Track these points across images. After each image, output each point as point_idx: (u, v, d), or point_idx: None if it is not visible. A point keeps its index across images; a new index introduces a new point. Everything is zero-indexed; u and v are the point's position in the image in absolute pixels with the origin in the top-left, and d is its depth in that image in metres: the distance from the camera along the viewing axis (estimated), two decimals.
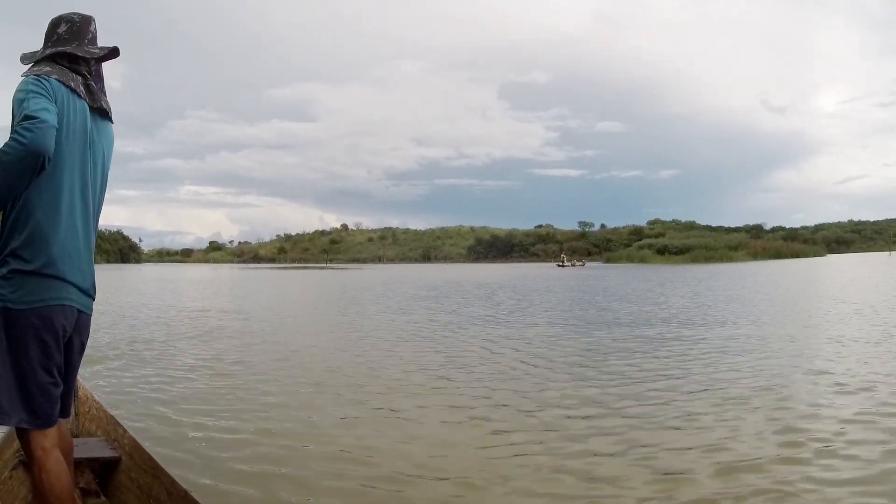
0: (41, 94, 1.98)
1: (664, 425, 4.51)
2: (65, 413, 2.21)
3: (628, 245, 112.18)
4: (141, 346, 8.72)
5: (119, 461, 2.78)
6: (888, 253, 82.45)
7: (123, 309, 14.96)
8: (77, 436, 3.04)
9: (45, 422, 2.04)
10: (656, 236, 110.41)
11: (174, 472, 2.52)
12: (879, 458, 3.67)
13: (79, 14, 2.24)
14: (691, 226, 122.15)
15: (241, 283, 33.83)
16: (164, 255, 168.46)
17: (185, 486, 2.40)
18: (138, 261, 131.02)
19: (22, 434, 2.07)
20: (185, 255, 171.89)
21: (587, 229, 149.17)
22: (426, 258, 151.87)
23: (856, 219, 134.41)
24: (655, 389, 5.69)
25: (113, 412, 3.23)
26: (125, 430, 2.94)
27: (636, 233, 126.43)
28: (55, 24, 2.21)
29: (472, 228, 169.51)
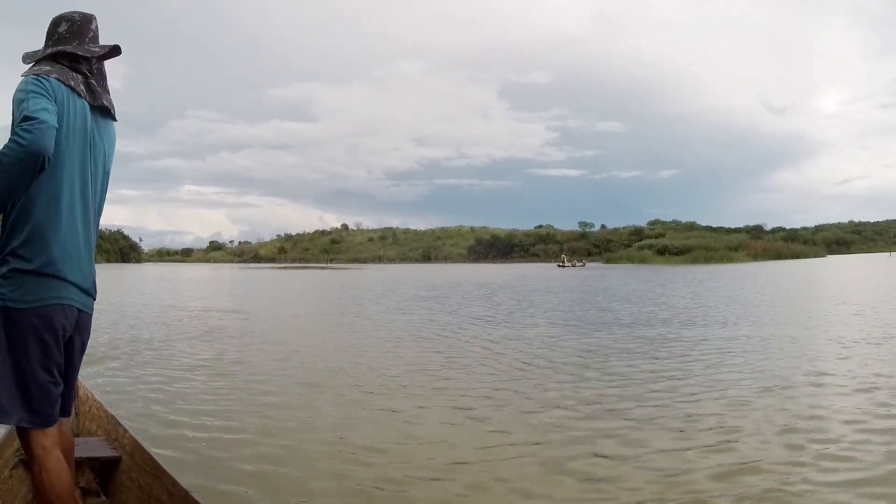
0: (41, 94, 1.98)
1: (665, 427, 4.50)
2: (66, 412, 2.21)
3: (628, 245, 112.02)
4: (141, 345, 8.72)
5: (119, 461, 2.78)
6: (888, 254, 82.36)
7: (124, 308, 14.96)
8: (77, 435, 3.03)
9: (45, 421, 2.04)
10: (656, 237, 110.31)
11: (174, 472, 2.52)
12: (882, 460, 3.66)
13: (79, 13, 2.23)
14: (691, 226, 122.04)
15: (242, 283, 33.84)
16: (164, 255, 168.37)
17: (185, 486, 2.40)
18: (139, 260, 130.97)
19: (22, 433, 2.07)
20: (186, 255, 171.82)
21: (587, 230, 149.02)
22: (426, 258, 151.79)
23: (856, 219, 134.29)
24: (656, 391, 5.68)
25: (113, 412, 3.23)
26: (125, 430, 2.94)
27: (636, 233, 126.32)
28: (56, 23, 2.21)
29: (472, 228, 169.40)
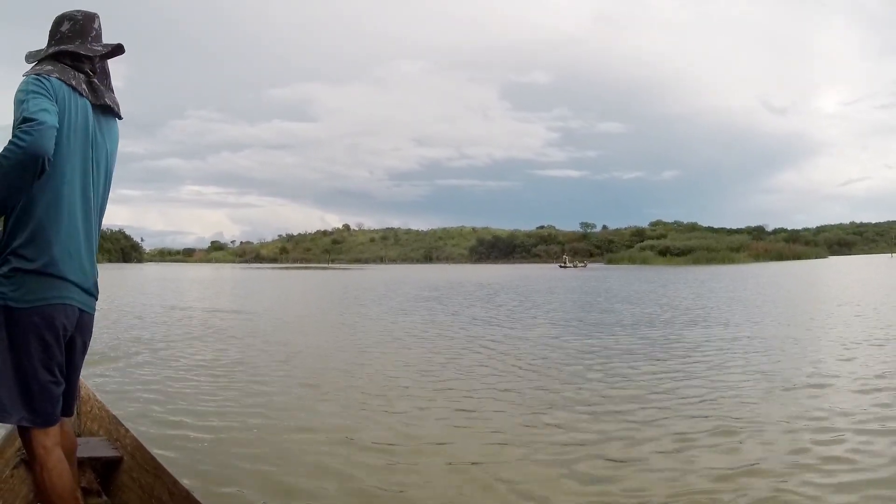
0: (41, 95, 1.97)
1: (667, 428, 4.48)
2: (68, 412, 2.21)
3: (630, 246, 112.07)
4: (143, 345, 8.71)
5: (121, 461, 2.77)
6: (890, 255, 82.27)
7: (125, 308, 14.96)
8: (79, 435, 3.03)
9: (46, 420, 2.04)
10: (658, 237, 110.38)
11: (175, 472, 2.51)
12: (886, 462, 3.64)
13: (82, 11, 2.23)
14: (693, 227, 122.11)
15: (243, 283, 33.86)
16: (165, 255, 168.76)
17: (186, 486, 2.39)
18: (140, 260, 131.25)
19: (23, 432, 2.06)
20: (187, 255, 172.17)
21: (589, 230, 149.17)
22: (428, 259, 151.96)
23: (857, 220, 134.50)
24: (658, 392, 5.67)
25: (114, 412, 3.22)
26: (127, 430, 2.94)
27: (638, 234, 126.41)
28: (59, 22, 2.21)
29: (473, 229, 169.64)
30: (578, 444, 4.14)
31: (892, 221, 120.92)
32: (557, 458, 3.84)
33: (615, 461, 3.79)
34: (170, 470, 2.51)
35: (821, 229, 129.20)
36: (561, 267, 75.66)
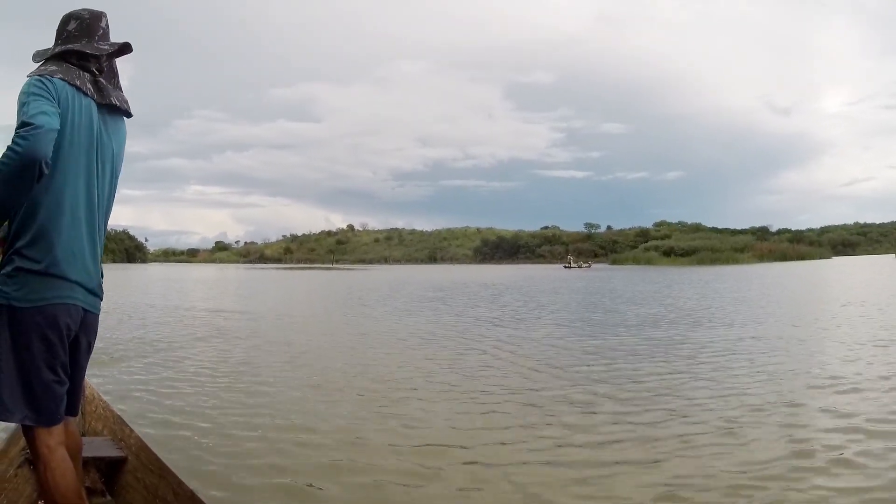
0: (41, 96, 1.97)
1: (672, 430, 4.47)
2: (73, 412, 2.20)
3: (634, 247, 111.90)
4: (147, 346, 8.73)
5: (125, 461, 2.77)
6: (894, 255, 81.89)
7: (130, 309, 15.00)
8: (84, 435, 3.03)
9: (49, 419, 2.03)
10: (662, 238, 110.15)
11: (180, 473, 2.51)
12: (892, 465, 3.62)
13: (88, 10, 2.22)
14: (697, 228, 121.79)
15: (248, 284, 33.92)
16: (169, 255, 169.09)
17: (191, 486, 2.39)
18: (144, 260, 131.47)
19: (27, 432, 2.06)
20: (191, 255, 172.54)
21: (593, 231, 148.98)
22: (432, 259, 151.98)
23: (861, 221, 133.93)
24: (663, 394, 5.65)
25: (119, 412, 3.22)
26: (132, 430, 2.93)
27: (642, 234, 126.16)
28: (65, 20, 2.20)
29: (478, 229, 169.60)
30: (584, 444, 4.13)
31: None
32: (563, 459, 3.83)
33: (621, 463, 3.78)
34: (174, 470, 2.51)
35: (825, 230, 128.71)
36: (565, 267, 75.63)
